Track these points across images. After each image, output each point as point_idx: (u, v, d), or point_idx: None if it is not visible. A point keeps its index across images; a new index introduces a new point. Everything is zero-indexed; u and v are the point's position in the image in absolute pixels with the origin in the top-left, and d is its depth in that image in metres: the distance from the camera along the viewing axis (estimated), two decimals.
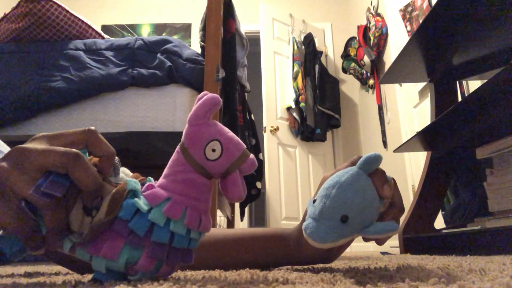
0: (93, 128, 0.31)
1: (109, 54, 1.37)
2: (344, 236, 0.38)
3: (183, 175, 0.32)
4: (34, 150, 0.29)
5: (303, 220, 0.44)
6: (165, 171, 0.34)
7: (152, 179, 0.35)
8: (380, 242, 0.43)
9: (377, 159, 0.39)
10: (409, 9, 2.48)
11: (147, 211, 0.31)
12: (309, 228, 0.39)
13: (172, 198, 0.32)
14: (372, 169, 0.40)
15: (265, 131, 3.28)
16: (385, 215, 0.42)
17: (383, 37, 3.00)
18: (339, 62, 3.84)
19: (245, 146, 0.34)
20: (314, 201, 0.41)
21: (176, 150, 0.34)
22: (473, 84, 1.84)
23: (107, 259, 0.30)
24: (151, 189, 0.33)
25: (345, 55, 3.57)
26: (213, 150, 0.32)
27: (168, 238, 0.31)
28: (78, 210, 0.30)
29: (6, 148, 0.50)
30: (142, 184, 0.34)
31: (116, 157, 0.34)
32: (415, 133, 1.34)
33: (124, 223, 0.30)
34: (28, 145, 0.30)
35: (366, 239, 0.44)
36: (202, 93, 0.34)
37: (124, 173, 0.36)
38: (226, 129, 0.34)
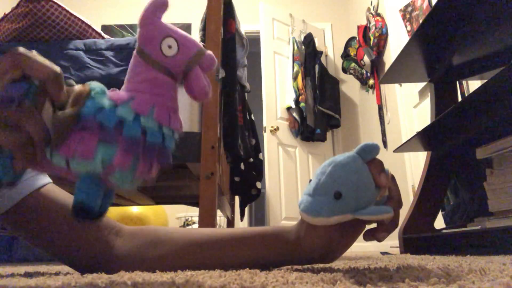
0: (20, 48, 0.30)
1: (109, 54, 1.37)
2: (337, 212, 0.38)
3: (143, 75, 0.32)
4: None
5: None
6: (126, 77, 0.33)
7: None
8: (379, 238, 0.43)
9: (374, 147, 0.40)
10: (409, 9, 2.48)
11: (113, 108, 0.31)
12: (303, 203, 0.40)
13: (137, 96, 0.31)
14: (369, 157, 0.40)
15: (265, 131, 3.27)
16: None
17: (383, 37, 3.00)
18: (339, 62, 3.84)
19: (202, 45, 0.34)
20: (310, 180, 0.42)
21: (133, 55, 0.33)
22: (473, 84, 1.84)
23: (83, 159, 0.30)
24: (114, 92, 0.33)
25: (345, 55, 3.57)
26: (169, 47, 0.32)
27: (139, 132, 0.31)
28: (49, 113, 0.30)
29: None
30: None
31: (71, 80, 0.33)
32: (415, 133, 1.34)
33: (93, 119, 0.30)
34: None
35: (366, 238, 0.44)
36: None
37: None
38: (179, 29, 0.34)
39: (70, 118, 0.30)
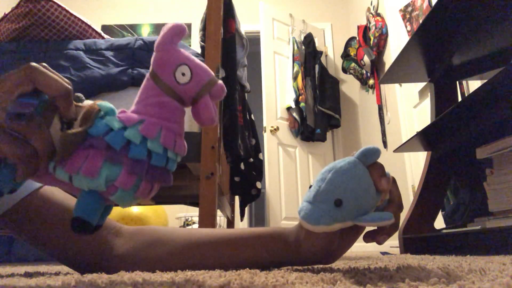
0: (34, 64, 0.31)
1: (109, 54, 1.37)
2: (337, 220, 0.38)
3: (154, 99, 0.33)
4: None
5: None
6: (136, 98, 0.34)
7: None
8: (379, 241, 0.43)
9: (375, 151, 0.39)
10: (409, 9, 2.48)
11: (121, 129, 0.31)
12: (303, 211, 0.39)
13: (146, 119, 0.32)
14: (370, 161, 0.40)
15: (265, 131, 3.27)
16: (383, 211, 0.42)
17: (383, 37, 3.00)
18: (339, 62, 3.84)
19: (213, 73, 0.35)
20: (311, 186, 0.41)
21: (145, 78, 0.34)
22: (473, 84, 1.84)
23: (87, 177, 0.30)
24: (124, 113, 0.33)
25: (345, 55, 3.57)
26: (183, 74, 0.33)
27: (145, 154, 0.32)
28: (56, 128, 0.31)
29: None
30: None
31: (79, 94, 0.34)
32: (415, 133, 1.34)
33: (101, 139, 0.31)
34: None
35: (366, 239, 0.44)
36: (167, 24, 0.34)
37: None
38: (193, 57, 0.35)
39: (78, 137, 0.30)
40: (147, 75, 0.34)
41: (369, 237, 0.44)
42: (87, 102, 0.33)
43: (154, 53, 0.33)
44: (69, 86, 0.31)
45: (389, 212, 0.38)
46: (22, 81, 0.29)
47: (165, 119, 0.33)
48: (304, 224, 0.39)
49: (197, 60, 0.34)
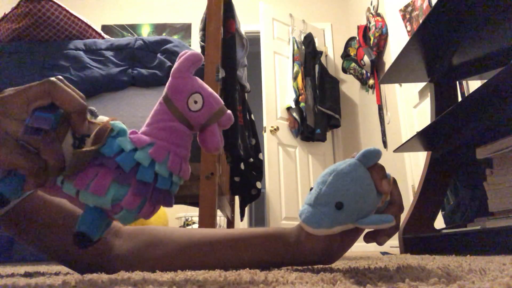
0: (53, 78, 0.31)
1: (109, 54, 1.37)
2: (338, 223, 0.38)
3: (166, 123, 0.34)
4: (11, 94, 0.30)
5: None
6: (148, 120, 0.35)
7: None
8: (380, 241, 0.43)
9: (376, 153, 0.40)
10: (409, 9, 2.48)
11: (132, 151, 0.32)
12: (304, 214, 0.39)
13: (156, 142, 0.33)
14: (371, 163, 0.40)
15: (265, 131, 3.27)
16: (384, 212, 0.42)
17: (383, 37, 3.00)
18: (339, 62, 3.84)
19: (223, 102, 0.36)
20: (311, 188, 0.41)
21: (159, 101, 0.35)
22: (473, 84, 1.84)
23: (94, 194, 0.31)
24: (135, 134, 0.34)
25: (345, 55, 3.57)
26: (195, 102, 0.34)
27: (152, 178, 0.33)
28: (68, 143, 0.32)
29: None
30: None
31: (93, 108, 0.35)
32: (415, 133, 1.34)
33: (112, 159, 0.32)
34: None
35: (366, 240, 0.44)
36: (183, 51, 0.35)
37: (102, 120, 0.37)
38: (207, 85, 0.36)
39: (89, 155, 0.31)
40: (161, 99, 0.35)
41: (369, 238, 0.44)
42: (101, 118, 0.34)
43: (170, 79, 0.34)
44: (84, 103, 0.32)
45: (389, 215, 0.38)
46: (41, 95, 0.30)
47: (174, 144, 0.34)
48: (305, 227, 0.39)
49: (209, 89, 0.35)
